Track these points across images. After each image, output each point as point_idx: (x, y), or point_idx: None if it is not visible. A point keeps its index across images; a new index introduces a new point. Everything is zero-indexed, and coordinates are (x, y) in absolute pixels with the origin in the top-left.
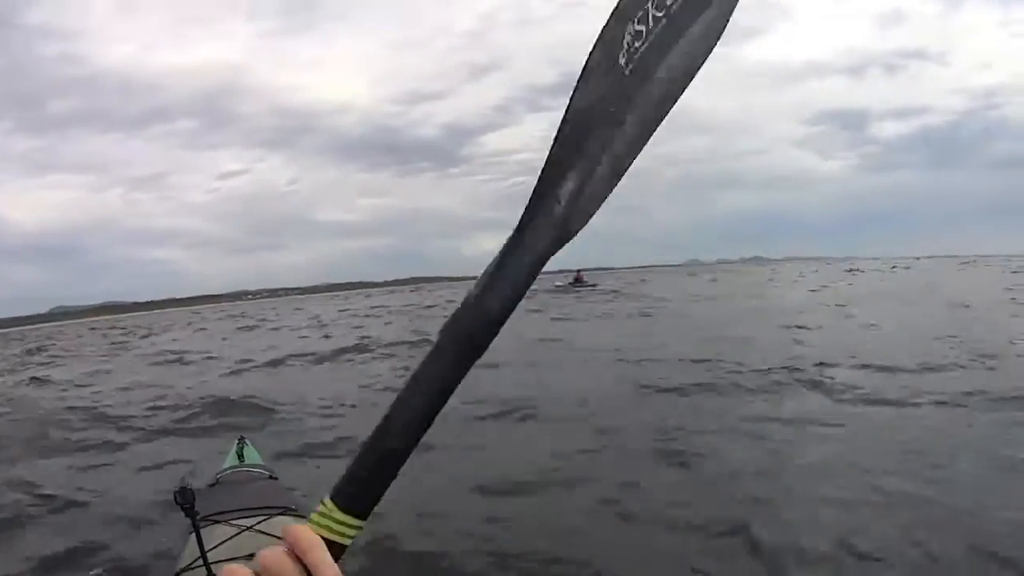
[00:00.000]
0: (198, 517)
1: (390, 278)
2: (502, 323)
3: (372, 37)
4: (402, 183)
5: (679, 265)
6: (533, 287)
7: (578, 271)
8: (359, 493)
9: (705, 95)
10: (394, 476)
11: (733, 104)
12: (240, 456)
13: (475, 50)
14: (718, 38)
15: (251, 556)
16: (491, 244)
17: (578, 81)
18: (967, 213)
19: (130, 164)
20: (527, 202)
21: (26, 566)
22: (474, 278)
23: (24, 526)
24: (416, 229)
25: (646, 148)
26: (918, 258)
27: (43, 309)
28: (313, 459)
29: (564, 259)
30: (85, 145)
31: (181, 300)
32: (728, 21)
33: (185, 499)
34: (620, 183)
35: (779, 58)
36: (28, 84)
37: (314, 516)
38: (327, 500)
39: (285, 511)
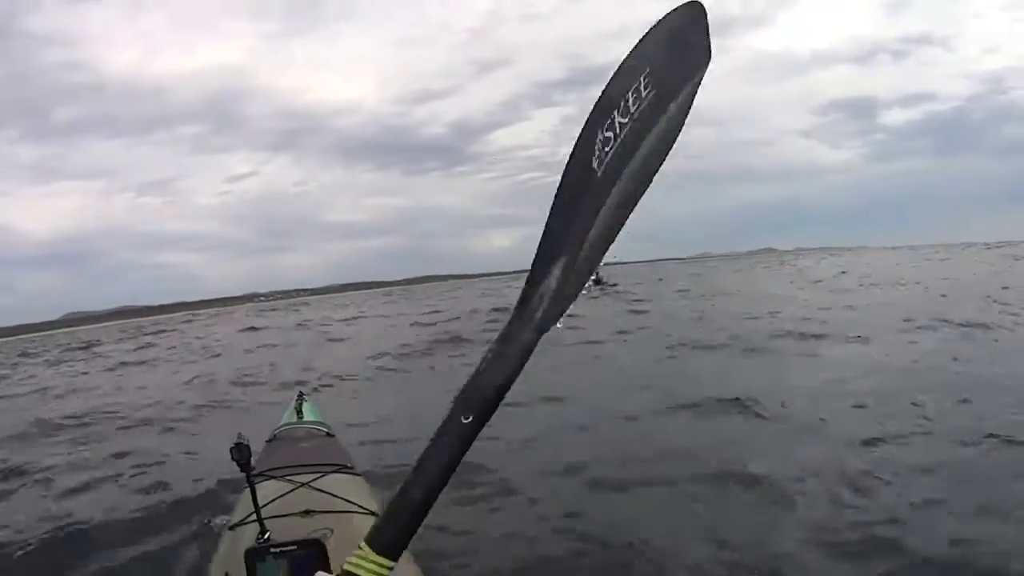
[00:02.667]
0: (253, 472)
1: (401, 277)
2: (502, 396)
3: (377, 37)
4: (411, 182)
5: (689, 259)
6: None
7: (597, 271)
8: (391, 538)
9: (710, 88)
10: (420, 523)
11: (739, 96)
12: (299, 412)
13: (480, 47)
14: (677, 136)
15: (306, 512)
16: (503, 241)
17: (561, 178)
18: (978, 199)
19: (138, 169)
20: (521, 291)
21: None
22: (488, 275)
23: None
24: (426, 227)
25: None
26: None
27: (56, 315)
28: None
29: None
30: (92, 152)
31: (193, 304)
32: (685, 120)
33: (241, 455)
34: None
35: (783, 48)
36: (32, 92)
37: (352, 560)
38: (363, 545)
39: (340, 468)
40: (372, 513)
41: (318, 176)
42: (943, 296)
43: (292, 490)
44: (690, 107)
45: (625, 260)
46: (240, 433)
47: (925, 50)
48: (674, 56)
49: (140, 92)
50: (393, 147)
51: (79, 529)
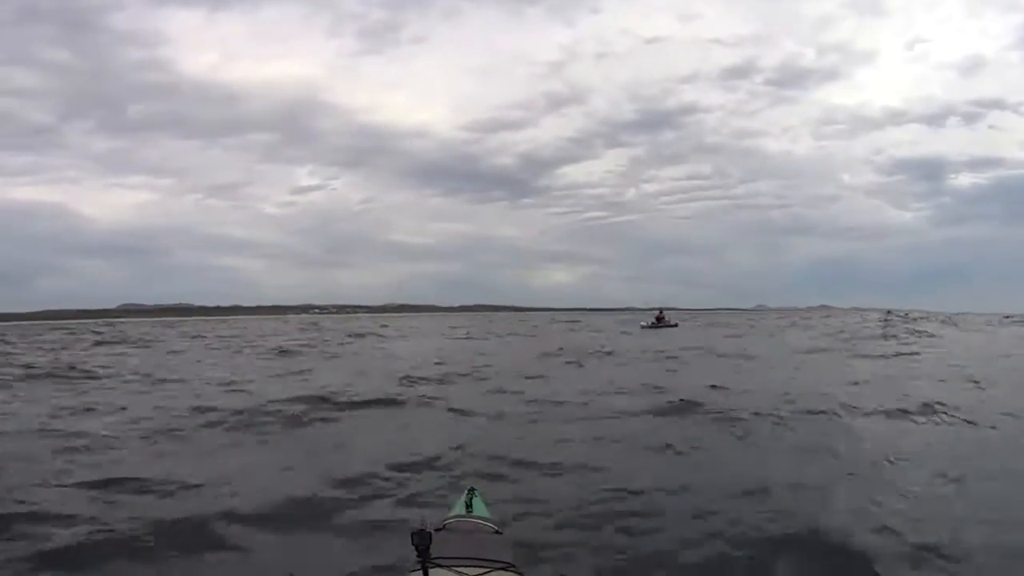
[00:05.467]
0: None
1: (457, 304)
2: None
3: (452, 62)
4: (475, 210)
5: (746, 310)
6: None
7: (660, 311)
8: None
9: (781, 139)
10: None
11: (807, 149)
12: (468, 506)
13: (555, 81)
14: None
15: None
16: (562, 277)
17: None
18: None
19: (207, 171)
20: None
21: None
22: (543, 310)
23: None
24: (486, 257)
25: (718, 190)
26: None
27: (112, 305)
28: (538, 517)
29: (630, 298)
30: (164, 149)
31: (249, 308)
32: None
33: (421, 541)
34: (693, 223)
35: (856, 103)
36: (111, 86)
37: None
38: None
39: (508, 567)
40: None
41: (384, 196)
42: None
43: None
44: None
45: (681, 307)
46: (423, 519)
47: (997, 114)
48: None
49: (215, 96)
50: (461, 174)
51: None
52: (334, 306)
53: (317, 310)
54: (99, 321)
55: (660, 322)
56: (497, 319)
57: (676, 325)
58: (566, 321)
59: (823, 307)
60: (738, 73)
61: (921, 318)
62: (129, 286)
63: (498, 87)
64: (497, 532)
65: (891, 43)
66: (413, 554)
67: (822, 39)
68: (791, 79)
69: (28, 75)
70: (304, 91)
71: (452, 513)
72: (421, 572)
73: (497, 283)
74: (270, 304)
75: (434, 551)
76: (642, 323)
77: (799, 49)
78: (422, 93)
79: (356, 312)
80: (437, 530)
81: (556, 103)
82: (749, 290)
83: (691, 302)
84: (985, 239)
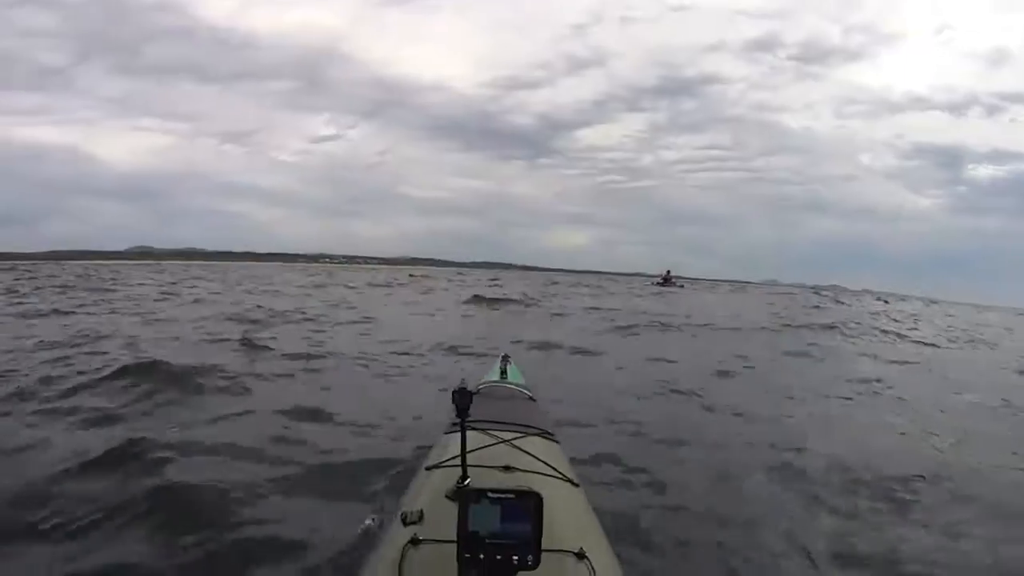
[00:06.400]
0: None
1: (468, 260)
2: None
3: (475, 17)
4: (491, 168)
5: (757, 284)
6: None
7: (668, 271)
8: None
9: (800, 115)
10: None
11: (828, 127)
12: (503, 373)
13: (577, 43)
14: None
15: (505, 468)
16: (577, 239)
17: None
18: None
19: (223, 117)
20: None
21: None
22: (551, 270)
23: None
24: (499, 215)
25: (736, 162)
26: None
27: (122, 247)
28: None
29: (646, 263)
30: (180, 93)
31: (260, 255)
32: None
33: (462, 400)
34: (709, 193)
35: (879, 85)
36: (127, 28)
37: None
38: None
39: (542, 433)
40: (570, 481)
41: (401, 148)
42: None
43: (492, 444)
44: None
45: (691, 275)
46: (464, 380)
47: (1019, 108)
48: None
49: (233, 42)
50: (479, 131)
51: None
52: (345, 256)
53: (328, 259)
54: (99, 263)
55: (666, 282)
56: (508, 277)
57: (682, 286)
58: (587, 285)
59: (835, 286)
60: (762, 46)
61: None
62: (141, 229)
63: (520, 46)
64: (531, 399)
65: (918, 27)
66: (451, 415)
67: (848, 18)
68: (815, 56)
69: (41, 14)
70: (324, 40)
71: (487, 378)
72: (460, 431)
73: (511, 241)
74: (281, 252)
75: (470, 414)
76: (647, 282)
77: (824, 26)
78: (443, 47)
79: (368, 263)
80: (472, 393)
81: (577, 65)
82: (761, 263)
83: (702, 271)
84: (1001, 232)
